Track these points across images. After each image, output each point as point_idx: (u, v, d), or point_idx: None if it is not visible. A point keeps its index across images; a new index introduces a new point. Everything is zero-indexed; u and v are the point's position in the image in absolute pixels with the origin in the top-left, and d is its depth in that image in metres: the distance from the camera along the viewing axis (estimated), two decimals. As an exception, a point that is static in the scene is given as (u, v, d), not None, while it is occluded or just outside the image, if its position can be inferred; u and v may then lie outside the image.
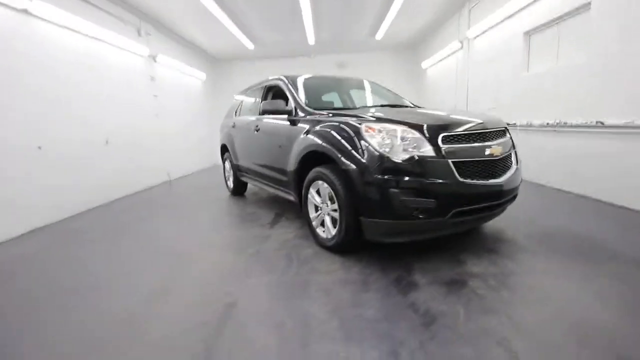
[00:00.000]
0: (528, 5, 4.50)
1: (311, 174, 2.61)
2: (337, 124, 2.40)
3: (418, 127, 2.12)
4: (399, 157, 2.04)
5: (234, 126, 4.59)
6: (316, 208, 2.69)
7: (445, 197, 2.03)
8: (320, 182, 2.50)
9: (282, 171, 3.15)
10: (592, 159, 3.60)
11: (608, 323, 1.54)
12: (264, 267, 2.34)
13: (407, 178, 2.01)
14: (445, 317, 1.64)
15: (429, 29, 8.00)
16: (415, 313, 1.69)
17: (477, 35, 6.03)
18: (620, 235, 2.62)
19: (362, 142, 2.15)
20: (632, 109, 3.11)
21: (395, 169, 2.02)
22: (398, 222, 2.05)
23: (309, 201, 2.73)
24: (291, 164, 2.93)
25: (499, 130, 2.41)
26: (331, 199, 2.45)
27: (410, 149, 2.05)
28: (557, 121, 4.02)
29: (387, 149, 2.06)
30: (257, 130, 3.71)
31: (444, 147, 2.08)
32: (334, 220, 2.47)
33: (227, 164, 5.02)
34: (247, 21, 6.72)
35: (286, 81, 3.39)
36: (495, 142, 2.30)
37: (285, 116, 3.14)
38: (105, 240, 3.15)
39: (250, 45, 8.29)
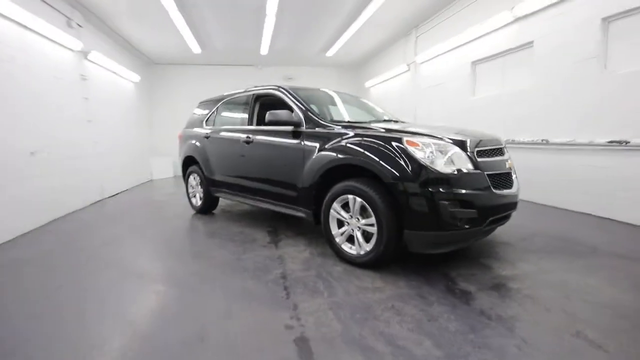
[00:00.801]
0: (475, 39, 5.26)
1: (337, 188, 2.51)
2: (373, 137, 2.38)
3: (458, 142, 2.25)
4: (445, 170, 2.12)
5: (207, 137, 4.14)
6: (340, 223, 2.59)
7: (483, 207, 2.18)
8: (350, 196, 2.43)
9: (290, 187, 2.96)
10: (539, 170, 4.32)
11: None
12: (304, 291, 2.14)
13: (454, 190, 2.10)
14: (521, 321, 1.73)
15: (377, 50, 8.64)
16: (492, 320, 1.75)
17: (425, 61, 6.75)
18: (586, 233, 3.18)
19: (407, 156, 2.17)
20: (574, 128, 3.85)
21: (442, 182, 2.10)
22: (444, 233, 2.12)
23: (330, 217, 2.62)
24: (306, 180, 2.78)
25: (504, 146, 2.73)
26: (363, 214, 2.40)
27: (454, 163, 2.16)
28: (506, 139, 4.73)
29: (433, 163, 2.13)
30: (248, 143, 3.42)
31: (479, 160, 2.26)
32: (366, 235, 2.42)
33: (193, 179, 4.49)
34: (201, 21, 6.24)
35: (287, 91, 3.23)
36: (507, 155, 2.60)
37: (290, 128, 2.98)
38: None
39: (197, 49, 7.69)
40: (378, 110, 3.82)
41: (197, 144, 4.29)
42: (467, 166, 2.18)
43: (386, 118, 3.58)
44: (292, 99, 3.12)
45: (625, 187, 3.34)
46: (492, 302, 1.93)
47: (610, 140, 3.39)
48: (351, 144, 2.46)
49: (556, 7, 3.87)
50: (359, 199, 2.38)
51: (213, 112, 4.30)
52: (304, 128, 2.89)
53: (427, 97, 6.73)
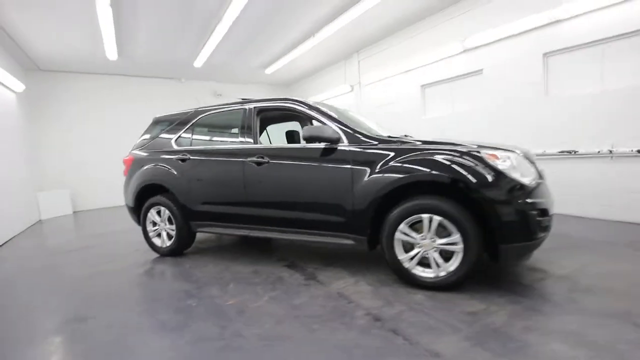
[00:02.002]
0: (425, 65, 5.86)
1: (405, 208, 2.30)
2: (448, 152, 2.26)
3: (526, 154, 2.35)
4: (526, 181, 2.18)
5: (183, 160, 3.32)
6: (405, 247, 2.37)
7: (550, 214, 2.33)
8: (425, 215, 2.25)
9: (336, 211, 2.57)
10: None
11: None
12: (419, 331, 1.81)
13: (537, 199, 2.17)
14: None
15: (315, 69, 8.77)
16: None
17: (371, 83, 7.17)
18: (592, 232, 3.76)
19: (492, 169, 2.15)
20: (523, 142, 4.58)
21: (528, 193, 2.14)
22: (531, 242, 2.15)
23: (395, 240, 2.37)
24: (359, 202, 2.45)
25: None
26: (439, 232, 2.26)
27: (527, 173, 2.24)
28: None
29: (516, 174, 2.17)
30: (259, 164, 2.86)
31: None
32: (444, 255, 2.27)
33: (157, 214, 3.52)
34: (133, 21, 5.14)
35: (311, 105, 2.87)
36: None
37: (322, 145, 2.64)
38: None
39: (113, 55, 6.30)
40: (371, 124, 3.77)
41: (169, 168, 3.40)
42: (536, 176, 2.30)
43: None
44: (322, 112, 2.78)
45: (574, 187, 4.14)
46: (600, 302, 2.03)
47: (560, 150, 4.19)
48: (427, 158, 2.30)
49: (503, 41, 4.66)
50: (437, 217, 2.22)
51: (187, 130, 3.49)
52: (346, 144, 2.59)
53: (377, 116, 7.12)
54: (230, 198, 3.09)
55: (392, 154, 2.41)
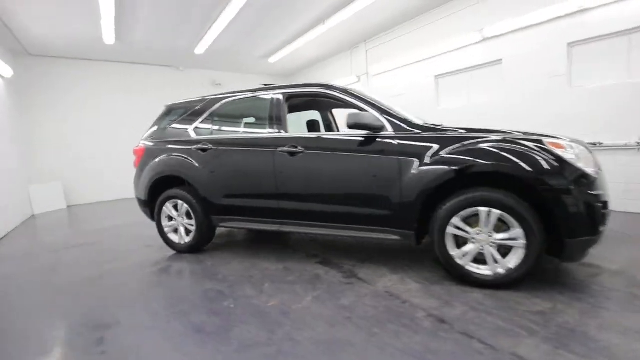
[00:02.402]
0: (439, 55, 5.71)
1: (459, 200, 2.14)
2: (506, 141, 2.12)
3: (582, 144, 2.22)
4: (590, 171, 2.06)
5: (204, 150, 3.08)
6: (458, 242, 2.23)
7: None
8: (483, 208, 2.10)
9: (380, 204, 2.40)
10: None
11: None
12: (493, 333, 1.67)
13: (600, 191, 2.05)
14: None
15: (318, 60, 8.51)
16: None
17: (380, 73, 6.98)
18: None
19: (557, 159, 2.01)
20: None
21: (593, 184, 2.02)
22: (595, 237, 2.04)
23: (447, 235, 2.23)
24: (407, 194, 2.29)
25: None
26: (496, 227, 2.12)
27: (592, 164, 2.12)
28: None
29: (582, 164, 2.04)
30: (293, 155, 2.65)
31: None
32: (502, 251, 2.14)
33: (174, 208, 3.28)
34: (135, 3, 4.79)
35: (348, 90, 2.67)
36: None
37: (363, 133, 2.46)
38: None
39: (110, 39, 5.91)
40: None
41: (188, 159, 3.15)
42: (597, 166, 2.18)
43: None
44: (361, 99, 2.59)
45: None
46: (662, 300, 1.94)
47: (589, 142, 4.11)
48: (482, 147, 2.14)
49: (524, 31, 4.54)
50: (496, 211, 2.08)
51: (207, 118, 3.24)
52: (390, 133, 2.41)
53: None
54: (258, 190, 2.88)
55: (441, 143, 2.25)
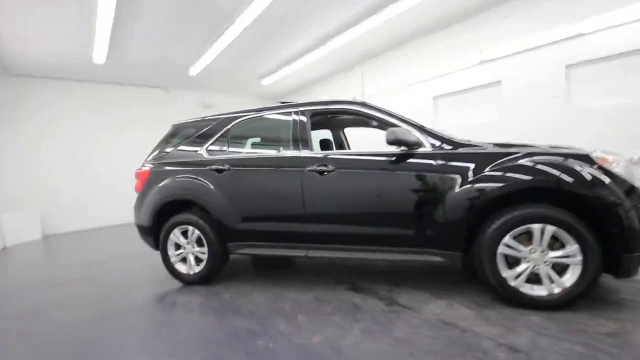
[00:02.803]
0: (438, 77, 5.87)
1: (513, 217, 2.04)
2: (551, 155, 2.09)
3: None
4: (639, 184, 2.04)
5: (221, 171, 2.86)
6: (509, 262, 2.12)
7: None
8: (536, 225, 2.02)
9: (423, 224, 2.26)
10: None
11: None
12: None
13: (651, 203, 2.03)
14: None
15: (311, 82, 8.56)
16: None
17: (375, 94, 7.08)
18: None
19: (608, 174, 1.98)
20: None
21: (642, 196, 2.00)
22: (649, 249, 1.99)
23: (498, 255, 2.11)
24: (453, 212, 2.17)
25: None
26: (551, 244, 2.03)
27: (637, 177, 2.11)
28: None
29: (630, 178, 2.02)
30: (322, 174, 2.50)
31: None
32: (556, 269, 2.04)
33: (182, 235, 2.99)
34: (135, 19, 4.61)
35: (376, 106, 2.59)
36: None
37: (397, 150, 2.37)
38: None
39: (100, 58, 5.64)
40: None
41: (200, 180, 2.91)
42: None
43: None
44: (393, 115, 2.51)
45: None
46: None
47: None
48: (527, 164, 2.09)
49: (523, 53, 4.75)
50: (550, 227, 2.00)
51: (221, 138, 3.04)
52: (428, 149, 2.33)
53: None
54: (283, 213, 2.67)
55: (483, 159, 2.19)
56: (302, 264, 3.46)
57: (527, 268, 2.07)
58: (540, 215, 2.02)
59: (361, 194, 2.45)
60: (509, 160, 2.14)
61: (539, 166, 2.06)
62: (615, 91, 4.08)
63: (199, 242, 2.95)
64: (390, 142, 2.29)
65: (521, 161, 2.11)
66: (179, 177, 3.03)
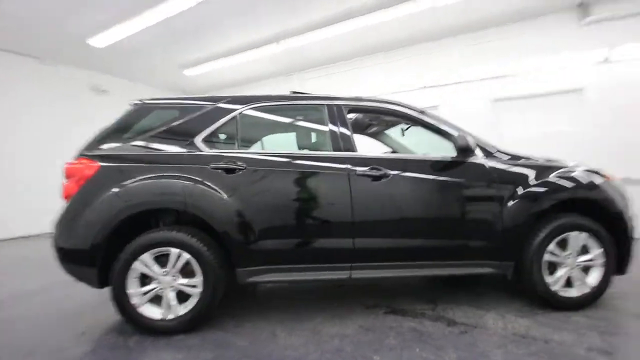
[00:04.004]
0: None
1: (557, 225, 2.20)
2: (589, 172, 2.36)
3: None
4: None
5: (232, 171, 2.10)
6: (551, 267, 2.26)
7: None
8: (574, 233, 2.22)
9: (481, 234, 2.19)
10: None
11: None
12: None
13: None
14: None
15: (243, 83, 7.78)
16: None
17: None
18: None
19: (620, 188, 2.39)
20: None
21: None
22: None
23: (543, 263, 2.20)
24: (511, 222, 2.19)
25: None
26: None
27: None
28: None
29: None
30: (378, 179, 2.15)
31: None
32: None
33: (153, 262, 2.04)
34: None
35: (422, 110, 2.43)
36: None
37: (448, 157, 2.29)
38: None
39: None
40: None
41: (200, 182, 2.07)
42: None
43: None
44: (443, 121, 2.41)
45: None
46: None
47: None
48: (572, 176, 2.30)
49: (455, 85, 5.52)
50: (583, 235, 2.25)
51: (225, 127, 2.27)
52: (481, 158, 2.31)
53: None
54: (325, 226, 2.15)
55: (537, 171, 2.32)
56: (290, 287, 2.90)
57: (564, 273, 2.27)
58: (577, 224, 2.24)
59: (420, 203, 2.22)
60: (559, 172, 2.32)
61: (582, 179, 2.31)
62: (537, 123, 5.12)
63: (186, 271, 2.08)
64: (462, 149, 2.17)
65: (571, 174, 2.31)
66: (155, 178, 2.09)
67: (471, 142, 2.20)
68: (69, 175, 2.13)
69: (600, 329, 1.99)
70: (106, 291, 2.10)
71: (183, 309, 2.07)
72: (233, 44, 5.57)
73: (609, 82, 4.42)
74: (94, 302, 2.67)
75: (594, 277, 2.27)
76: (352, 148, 2.28)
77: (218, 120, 2.28)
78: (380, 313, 2.33)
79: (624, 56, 4.31)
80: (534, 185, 2.26)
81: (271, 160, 2.22)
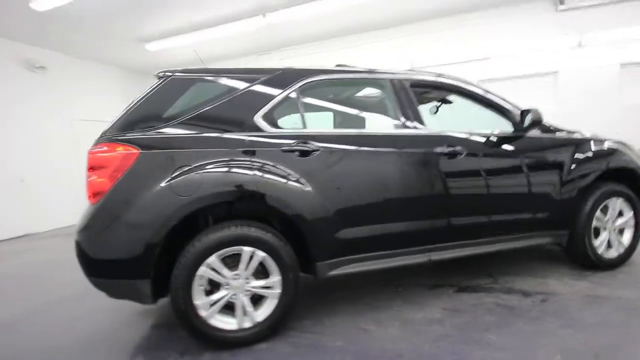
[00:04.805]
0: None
1: (603, 193, 2.36)
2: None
3: None
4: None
5: (306, 153, 1.81)
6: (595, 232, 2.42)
7: None
8: (614, 199, 2.41)
9: (542, 206, 2.28)
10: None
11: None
12: None
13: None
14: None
15: (210, 61, 6.97)
16: None
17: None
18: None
19: None
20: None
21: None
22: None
23: (592, 229, 2.37)
24: (568, 192, 2.30)
25: None
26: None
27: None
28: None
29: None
30: (453, 157, 2.06)
31: None
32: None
33: (222, 266, 1.71)
34: None
35: (484, 88, 2.37)
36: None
37: (509, 133, 2.30)
38: None
39: None
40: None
41: (273, 168, 1.75)
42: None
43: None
44: (501, 98, 2.38)
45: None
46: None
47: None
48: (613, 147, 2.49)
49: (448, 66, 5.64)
50: (621, 200, 2.44)
51: (285, 102, 1.95)
52: (539, 132, 2.35)
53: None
54: (407, 208, 2.01)
55: (582, 143, 2.44)
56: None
57: (606, 236, 2.46)
58: (617, 191, 2.44)
59: (494, 179, 2.21)
60: (599, 144, 2.46)
61: (619, 149, 2.49)
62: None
63: (258, 273, 1.78)
64: (536, 123, 2.17)
65: (608, 145, 2.47)
66: (216, 165, 1.72)
67: (542, 115, 2.22)
68: (96, 166, 1.65)
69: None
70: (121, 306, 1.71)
71: (260, 315, 1.78)
72: (209, 14, 4.92)
73: (581, 66, 4.90)
74: (111, 321, 2.21)
75: (627, 238, 2.51)
76: (423, 124, 2.14)
77: (276, 95, 1.95)
78: (450, 293, 2.29)
79: (595, 42, 4.81)
80: (584, 159, 2.39)
81: (347, 138, 1.98)
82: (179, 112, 1.84)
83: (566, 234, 2.37)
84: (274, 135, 1.85)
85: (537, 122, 2.20)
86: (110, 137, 1.71)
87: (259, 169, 1.75)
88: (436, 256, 2.10)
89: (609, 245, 2.47)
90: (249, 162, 1.75)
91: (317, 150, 1.86)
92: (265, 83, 1.96)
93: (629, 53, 4.76)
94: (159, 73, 1.92)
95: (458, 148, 2.09)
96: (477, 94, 2.36)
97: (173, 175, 1.66)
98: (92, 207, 1.66)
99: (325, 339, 1.82)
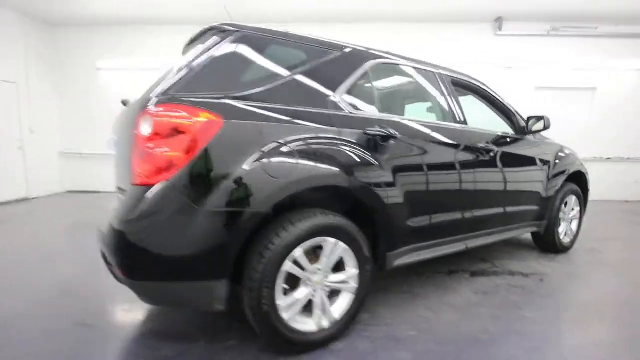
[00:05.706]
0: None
1: (568, 190, 2.97)
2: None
3: None
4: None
5: (386, 139, 1.71)
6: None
7: None
8: (571, 196, 3.03)
9: (534, 200, 2.71)
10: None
11: None
12: None
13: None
14: None
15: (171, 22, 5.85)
16: None
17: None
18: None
19: None
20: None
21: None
22: None
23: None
24: (551, 187, 2.80)
25: None
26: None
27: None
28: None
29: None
30: (490, 152, 2.29)
31: None
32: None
33: (304, 258, 1.50)
34: None
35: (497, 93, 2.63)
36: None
37: (509, 134, 2.64)
38: None
39: None
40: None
41: (358, 151, 1.60)
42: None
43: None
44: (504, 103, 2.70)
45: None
46: None
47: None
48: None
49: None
50: (574, 197, 3.09)
51: (360, 83, 1.80)
52: (531, 136, 2.76)
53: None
54: (460, 200, 2.16)
55: (556, 148, 2.97)
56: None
57: (565, 226, 3.07)
58: (574, 190, 3.05)
59: (513, 175, 2.52)
60: (567, 150, 3.05)
61: (576, 155, 3.12)
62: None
63: (338, 266, 1.64)
64: (546, 128, 2.53)
65: (571, 152, 3.09)
66: (306, 143, 1.49)
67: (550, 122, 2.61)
68: (162, 133, 1.24)
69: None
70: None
71: (337, 313, 1.64)
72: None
73: (513, 85, 5.87)
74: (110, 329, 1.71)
75: (574, 227, 3.18)
76: (465, 121, 2.28)
77: (352, 72, 1.79)
78: (467, 277, 2.52)
79: (525, 65, 5.86)
80: (560, 161, 2.92)
81: (423, 129, 1.97)
82: (256, 78, 1.52)
83: (545, 224, 2.87)
84: (355, 117, 1.70)
85: (546, 128, 2.59)
86: (170, 96, 1.30)
87: (351, 152, 1.60)
88: (471, 244, 2.28)
89: (565, 233, 3.10)
90: (342, 143, 1.58)
91: (395, 137, 1.80)
92: (340, 58, 1.78)
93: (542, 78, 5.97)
94: (221, 26, 1.55)
95: (492, 145, 2.31)
96: (495, 98, 2.63)
97: (264, 152, 1.37)
98: (153, 188, 1.24)
99: (396, 330, 1.79)
